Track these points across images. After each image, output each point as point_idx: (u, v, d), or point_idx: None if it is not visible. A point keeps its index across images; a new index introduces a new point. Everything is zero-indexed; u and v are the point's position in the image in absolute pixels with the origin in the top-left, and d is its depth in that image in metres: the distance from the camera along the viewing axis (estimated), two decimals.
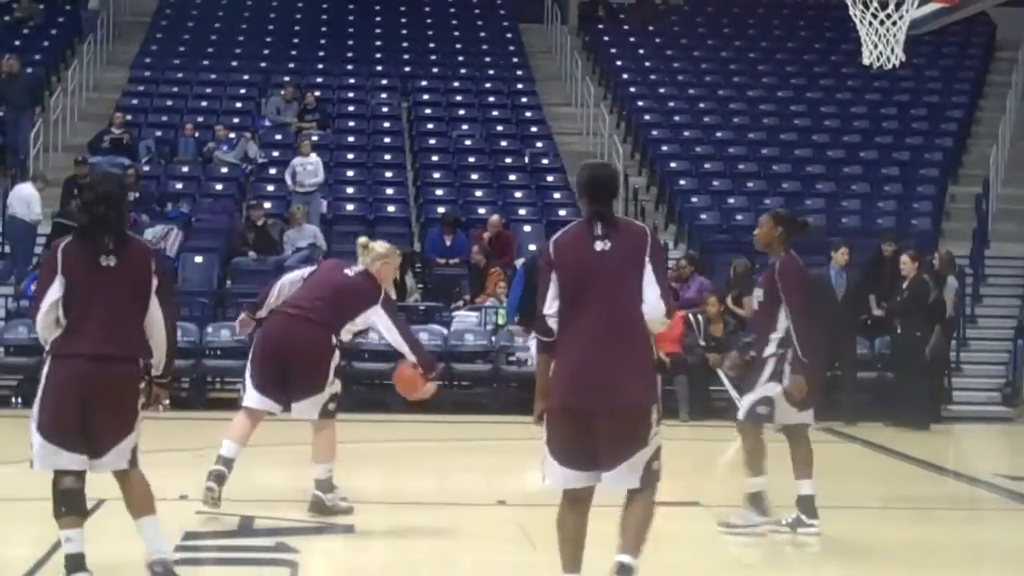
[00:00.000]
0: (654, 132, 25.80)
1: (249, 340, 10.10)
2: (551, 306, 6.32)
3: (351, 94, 27.09)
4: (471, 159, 24.58)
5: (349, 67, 28.08)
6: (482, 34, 30.00)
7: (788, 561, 8.84)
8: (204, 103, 25.99)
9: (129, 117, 24.11)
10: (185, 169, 23.28)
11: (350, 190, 23.35)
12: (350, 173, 23.91)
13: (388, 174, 24.08)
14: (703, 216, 22.88)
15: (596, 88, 27.31)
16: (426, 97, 26.99)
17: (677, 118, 26.53)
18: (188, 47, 28.16)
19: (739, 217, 22.04)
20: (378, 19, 30.19)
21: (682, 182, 24.02)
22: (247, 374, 9.52)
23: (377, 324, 9.48)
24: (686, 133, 25.91)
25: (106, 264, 6.74)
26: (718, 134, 25.90)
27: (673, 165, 24.58)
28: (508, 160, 24.65)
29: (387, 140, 25.31)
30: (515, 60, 28.86)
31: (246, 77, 27.17)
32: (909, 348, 17.18)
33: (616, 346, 6.25)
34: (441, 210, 21.75)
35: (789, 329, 8.96)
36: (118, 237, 6.80)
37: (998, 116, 26.29)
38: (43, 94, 25.13)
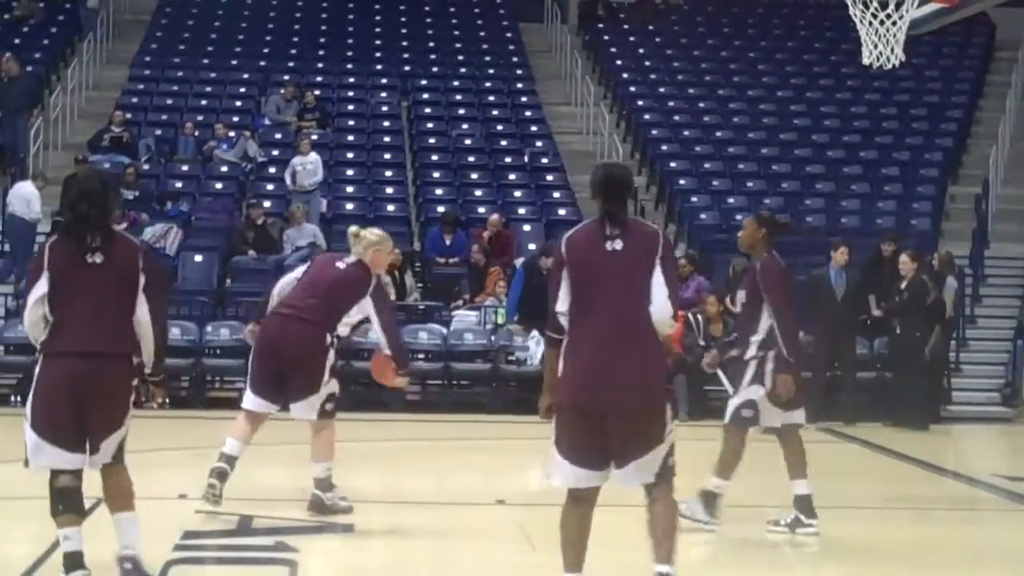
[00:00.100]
0: (654, 131, 25.80)
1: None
2: (562, 303, 6.33)
3: (351, 93, 27.09)
4: (471, 158, 24.57)
5: (349, 66, 28.07)
6: (482, 33, 30.00)
7: (787, 561, 8.85)
8: (204, 102, 25.99)
9: (129, 116, 24.11)
10: (185, 168, 23.27)
11: (350, 189, 23.35)
12: (350, 172, 23.91)
13: (388, 173, 24.08)
14: (703, 216, 22.88)
15: (596, 87, 27.31)
16: (426, 96, 26.98)
17: (677, 117, 26.53)
18: (188, 46, 28.15)
19: (739, 217, 21.95)
20: (378, 18, 30.19)
21: (682, 181, 24.02)
22: (248, 376, 9.56)
23: (368, 311, 9.47)
24: (686, 132, 25.91)
25: (92, 261, 6.76)
26: (718, 134, 25.90)
27: (673, 165, 24.58)
28: (508, 159, 24.65)
29: (387, 139, 25.30)
30: (515, 59, 28.86)
31: (246, 76, 27.17)
32: (908, 348, 17.18)
33: (628, 345, 6.26)
34: (441, 209, 21.75)
35: (771, 330, 8.98)
36: (104, 234, 6.81)
37: (998, 116, 26.28)
38: (42, 96, 25.10)
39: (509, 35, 30.04)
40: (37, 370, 6.82)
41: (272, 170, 23.12)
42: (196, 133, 23.77)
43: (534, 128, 25.93)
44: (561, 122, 26.62)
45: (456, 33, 29.76)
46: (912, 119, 26.75)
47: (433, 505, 10.61)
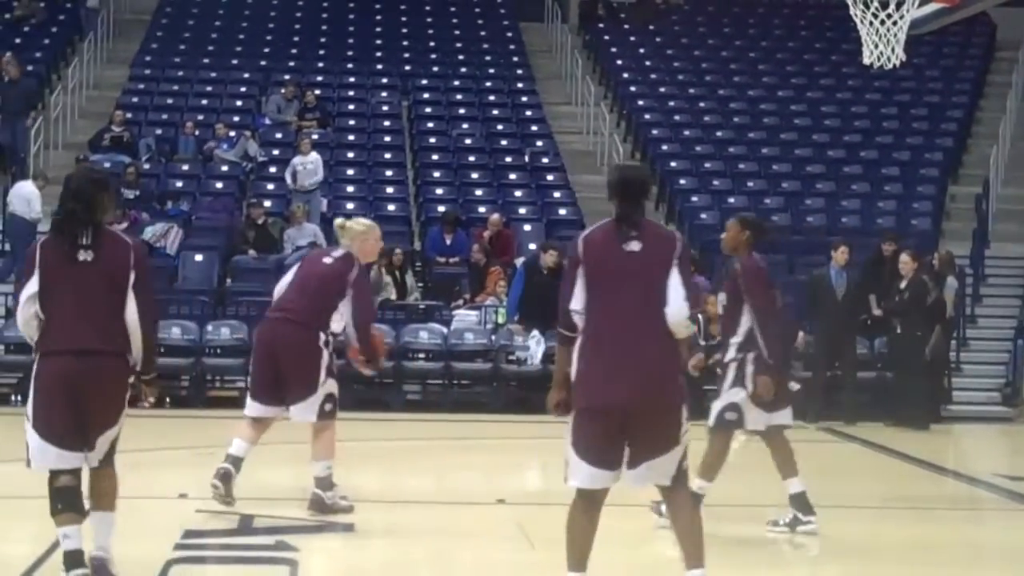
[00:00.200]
0: (654, 131, 25.80)
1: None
2: (576, 301, 6.33)
3: (351, 93, 27.09)
4: (471, 158, 24.57)
5: (349, 66, 28.08)
6: (482, 33, 30.00)
7: (786, 561, 8.85)
8: (204, 101, 25.99)
9: (129, 115, 24.11)
10: (185, 167, 23.28)
11: (350, 189, 23.35)
12: (350, 172, 23.91)
13: (388, 173, 24.08)
14: (703, 215, 22.87)
15: (596, 87, 27.31)
16: (426, 96, 26.98)
17: (677, 117, 26.54)
18: (188, 45, 28.16)
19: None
20: (378, 18, 30.19)
21: (682, 181, 24.03)
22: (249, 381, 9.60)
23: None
24: (686, 132, 25.92)
25: (83, 259, 6.78)
26: (718, 133, 25.90)
27: (673, 164, 24.59)
28: (508, 159, 24.65)
29: (387, 139, 25.31)
30: (515, 59, 28.86)
31: (246, 75, 27.17)
32: (909, 348, 17.18)
33: (644, 346, 6.27)
34: (441, 209, 21.76)
35: (751, 331, 8.97)
36: (95, 232, 6.82)
37: (998, 116, 26.28)
38: (41, 97, 25.09)
39: (509, 35, 30.04)
40: (34, 370, 6.85)
41: (272, 170, 23.13)
42: (197, 133, 23.78)
43: (534, 128, 25.93)
44: (561, 122, 26.62)
45: (456, 33, 29.77)
46: (913, 119, 26.75)
47: (433, 504, 10.61)
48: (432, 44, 29.12)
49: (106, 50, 27.96)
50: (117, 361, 6.83)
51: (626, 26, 30.44)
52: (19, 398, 16.42)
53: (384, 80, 27.48)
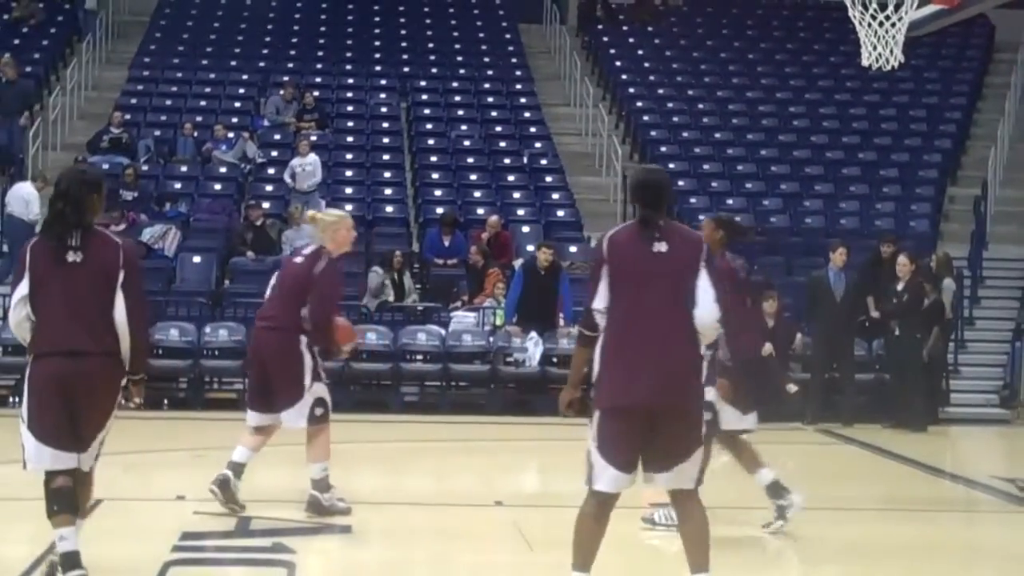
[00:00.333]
0: (653, 133, 25.80)
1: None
2: (599, 301, 6.35)
3: (350, 94, 27.09)
4: (470, 159, 24.57)
5: (348, 67, 28.07)
6: (481, 34, 30.00)
7: (784, 562, 8.84)
8: (203, 103, 25.98)
9: (128, 116, 24.09)
10: (184, 169, 23.26)
11: (349, 190, 23.34)
12: (349, 173, 23.90)
13: (387, 174, 24.07)
14: (701, 217, 22.76)
15: (595, 88, 27.30)
16: (425, 97, 26.98)
17: (676, 119, 26.53)
18: (187, 47, 28.15)
19: (738, 218, 21.84)
20: (377, 19, 30.18)
21: (681, 183, 23.99)
22: None
23: None
24: (685, 134, 25.92)
25: (72, 260, 6.81)
26: (717, 135, 25.91)
27: (672, 166, 24.54)
28: (507, 160, 24.64)
29: (386, 140, 25.30)
30: (514, 60, 28.86)
31: (245, 77, 27.17)
32: (907, 350, 17.17)
33: (670, 346, 6.30)
34: (440, 210, 21.73)
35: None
36: (84, 233, 6.84)
37: (997, 118, 26.29)
38: (40, 98, 25.09)
39: (508, 36, 30.03)
40: (27, 371, 6.86)
41: (271, 171, 23.12)
42: (195, 134, 23.77)
43: (533, 129, 25.92)
44: (560, 123, 26.62)
45: (455, 34, 29.76)
46: (911, 120, 26.75)
47: (431, 506, 10.61)
48: (431, 46, 29.11)
49: (105, 51, 27.96)
50: (108, 361, 6.85)
51: (625, 27, 30.43)
52: (16, 400, 16.41)
53: (383, 81, 27.47)
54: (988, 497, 12.11)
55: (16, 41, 26.50)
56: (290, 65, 27.60)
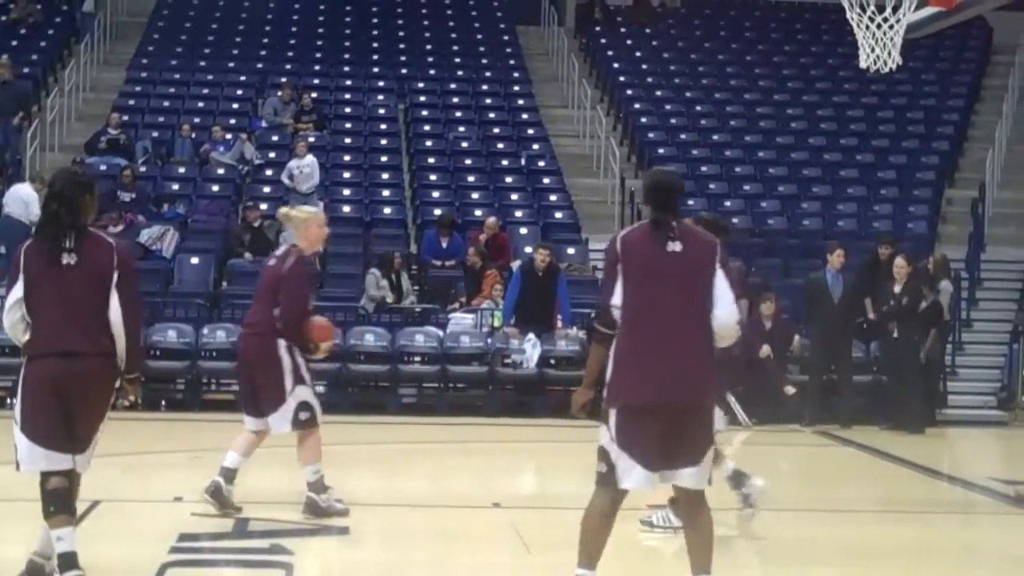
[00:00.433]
0: (650, 135, 25.80)
1: None
2: (617, 298, 6.35)
3: (348, 96, 27.09)
4: (468, 161, 24.57)
5: (346, 68, 28.07)
6: (479, 36, 30.01)
7: (782, 564, 8.83)
8: (201, 104, 25.98)
9: (126, 118, 24.11)
10: (182, 170, 23.26)
11: (346, 192, 23.34)
12: (347, 175, 23.91)
13: (384, 176, 24.07)
14: None
15: (593, 90, 27.30)
16: (423, 99, 26.98)
17: (673, 121, 26.54)
18: (185, 48, 28.17)
19: (735, 220, 22.01)
20: (375, 21, 30.19)
21: None
22: None
23: None
24: (682, 136, 25.94)
25: (67, 262, 6.82)
26: (714, 137, 25.92)
27: (670, 168, 24.54)
28: (505, 162, 24.65)
29: (384, 142, 25.30)
30: (512, 62, 28.86)
31: (243, 78, 27.17)
32: (904, 352, 17.17)
33: (689, 346, 6.32)
34: (437, 212, 21.73)
35: None
36: (78, 234, 6.85)
37: (994, 120, 26.32)
38: (37, 99, 25.07)
39: (506, 38, 30.04)
40: (21, 373, 6.88)
41: (269, 172, 23.11)
42: (193, 135, 23.77)
43: (531, 131, 25.92)
44: (558, 125, 26.63)
45: (453, 36, 29.77)
46: (909, 122, 26.78)
47: (428, 508, 10.61)
48: (428, 47, 29.12)
49: (103, 52, 27.95)
50: (103, 362, 6.87)
51: (622, 29, 30.45)
52: (14, 401, 16.41)
53: (381, 83, 27.48)
54: (985, 499, 12.11)
55: (14, 42, 26.52)
56: (288, 66, 27.60)
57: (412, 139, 25.37)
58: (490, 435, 16.05)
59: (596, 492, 6.42)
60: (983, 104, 28.05)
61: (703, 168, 24.71)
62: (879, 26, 12.89)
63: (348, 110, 26.52)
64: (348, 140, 25.20)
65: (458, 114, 26.43)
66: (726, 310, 6.36)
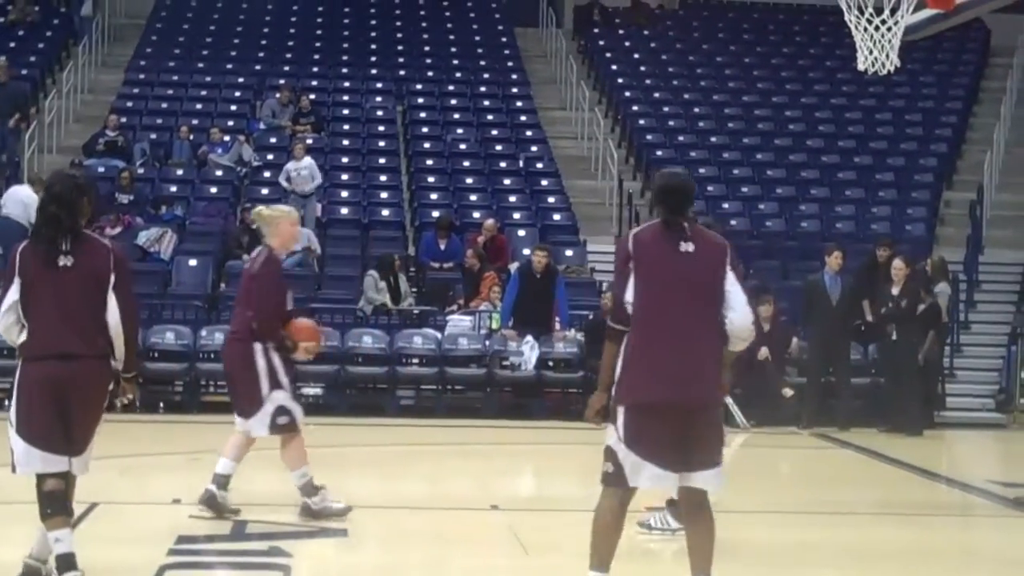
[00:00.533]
0: (648, 136, 25.82)
1: None
2: (630, 294, 6.35)
3: (346, 97, 27.10)
4: (466, 163, 24.57)
5: (344, 70, 28.08)
6: (477, 38, 30.02)
7: (781, 565, 8.83)
8: (199, 106, 25.99)
9: (124, 119, 24.12)
10: (180, 172, 23.26)
11: (344, 194, 23.34)
12: (345, 177, 23.91)
13: (383, 178, 24.08)
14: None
15: (591, 92, 27.31)
16: (421, 101, 26.99)
17: (672, 122, 26.56)
18: (183, 50, 28.17)
19: (733, 222, 22.04)
20: (373, 23, 30.20)
21: None
22: None
23: None
24: (681, 138, 25.95)
25: (63, 264, 6.83)
26: (713, 139, 25.94)
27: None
28: (503, 164, 24.65)
29: (382, 143, 25.30)
30: (510, 64, 28.87)
31: (241, 80, 27.17)
32: (903, 354, 17.16)
33: (699, 345, 6.32)
34: (435, 214, 21.72)
35: None
36: (74, 237, 6.86)
37: (992, 122, 26.33)
38: (36, 101, 25.06)
39: (504, 40, 30.05)
40: (16, 375, 6.89)
41: (267, 174, 23.11)
42: (191, 137, 23.76)
43: (529, 133, 25.93)
44: (556, 127, 26.64)
45: (451, 37, 29.79)
46: (907, 124, 26.80)
47: (427, 510, 10.59)
48: (427, 49, 29.13)
49: (101, 54, 27.96)
50: (99, 364, 6.89)
51: (621, 31, 30.47)
52: (9, 403, 16.41)
53: (379, 85, 27.49)
54: (984, 501, 12.10)
55: (12, 44, 26.51)
56: (286, 68, 27.62)
57: (410, 141, 25.37)
58: (488, 437, 16.05)
59: (604, 493, 6.41)
60: (981, 106, 28.07)
61: (701, 170, 24.69)
62: (877, 28, 12.90)
63: (346, 112, 26.52)
64: (346, 142, 25.21)
65: (456, 116, 26.44)
66: (741, 312, 6.37)
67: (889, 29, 12.87)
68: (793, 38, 30.67)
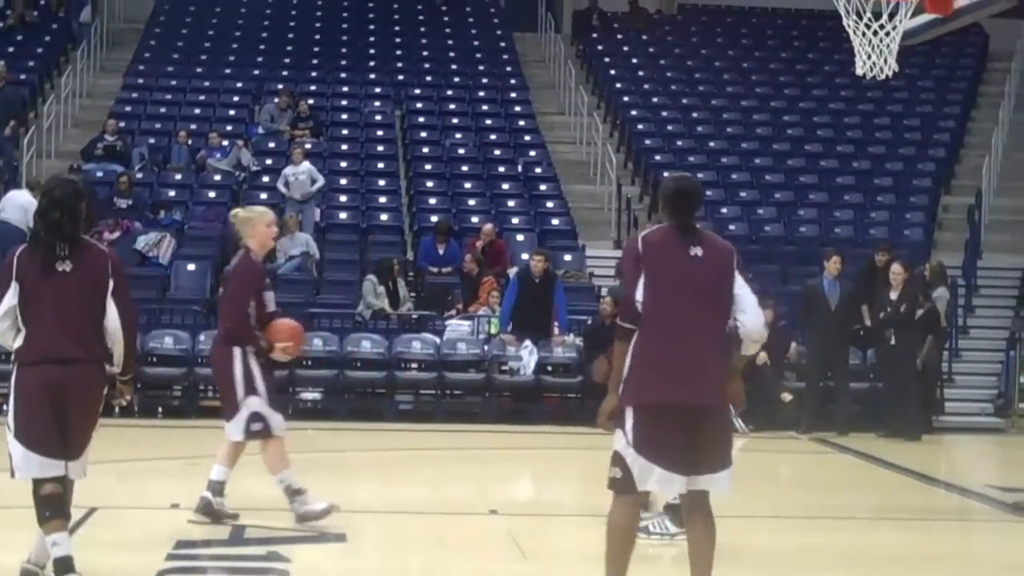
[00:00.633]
0: (647, 141, 25.82)
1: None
2: (640, 293, 6.33)
3: (344, 102, 27.10)
4: (464, 168, 24.57)
5: (343, 75, 28.09)
6: (476, 43, 30.02)
7: (781, 571, 8.82)
8: (197, 110, 25.99)
9: (122, 124, 24.12)
10: (178, 177, 23.26)
11: (343, 198, 23.33)
12: (343, 181, 23.90)
13: (381, 182, 24.07)
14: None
15: (589, 97, 27.32)
16: (419, 105, 27.00)
17: (670, 127, 26.57)
18: (182, 54, 28.18)
19: (732, 227, 22.05)
20: (372, 27, 30.22)
21: None
22: None
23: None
24: (679, 143, 25.95)
25: (62, 269, 6.86)
26: (711, 144, 25.94)
27: (666, 175, 24.48)
28: (501, 169, 24.65)
29: (380, 148, 25.31)
30: (509, 69, 28.88)
31: (239, 85, 27.18)
32: (901, 359, 17.16)
33: (707, 349, 6.32)
34: (434, 218, 21.73)
35: None
36: (73, 242, 6.88)
37: (991, 127, 26.34)
38: (34, 106, 25.05)
39: (503, 44, 30.06)
40: (13, 380, 6.90)
41: (265, 179, 23.11)
42: (190, 142, 23.77)
43: (528, 138, 25.94)
44: (555, 132, 26.65)
45: (450, 42, 29.80)
46: (905, 129, 26.81)
47: (425, 515, 10.59)
48: (425, 54, 29.15)
49: (99, 59, 27.97)
50: (95, 368, 6.93)
51: (619, 36, 30.49)
52: (6, 408, 16.40)
53: (377, 89, 27.50)
54: (982, 506, 12.10)
55: (11, 49, 26.51)
56: (285, 73, 27.63)
57: (409, 146, 25.38)
58: (487, 442, 16.04)
59: (615, 502, 6.38)
60: (979, 111, 28.09)
61: (700, 175, 24.60)
62: (875, 33, 12.90)
63: (345, 117, 26.53)
64: (345, 147, 25.21)
65: (455, 121, 26.45)
66: (753, 314, 6.40)
67: (887, 34, 12.88)
68: (791, 43, 30.69)
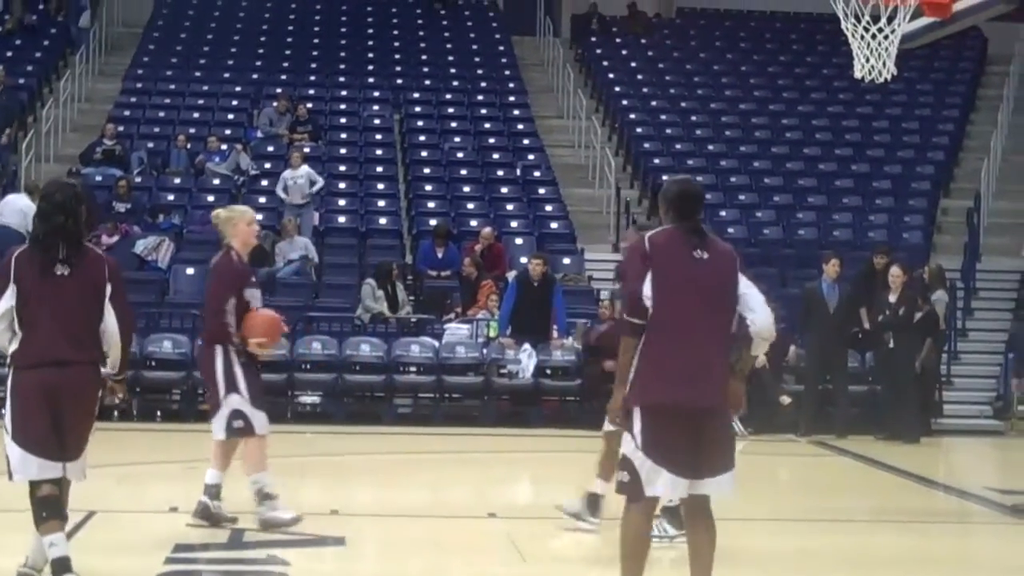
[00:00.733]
0: (646, 145, 25.81)
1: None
2: (647, 288, 6.33)
3: (343, 106, 27.10)
4: (463, 171, 24.57)
5: (341, 79, 28.09)
6: (474, 47, 30.03)
7: (780, 573, 8.83)
8: (196, 114, 25.99)
9: (121, 128, 24.12)
10: (177, 180, 23.26)
11: (342, 202, 23.34)
12: (342, 185, 23.90)
13: (380, 186, 24.07)
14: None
15: (588, 101, 27.33)
16: (418, 109, 26.99)
17: (669, 131, 26.56)
18: (180, 58, 28.17)
19: (731, 230, 22.05)
20: (370, 31, 30.21)
21: None
22: None
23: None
24: (678, 146, 25.94)
25: (60, 273, 6.89)
26: (710, 147, 25.94)
27: (665, 178, 24.44)
28: (500, 172, 24.65)
29: (379, 152, 25.31)
30: (507, 72, 28.87)
31: (238, 89, 27.18)
32: (900, 361, 17.16)
33: (710, 350, 6.34)
34: (433, 222, 21.72)
35: None
36: (71, 246, 6.89)
37: (989, 130, 26.34)
38: (29, 110, 25.06)
39: (502, 48, 30.07)
40: (10, 383, 6.91)
41: (264, 183, 23.09)
42: (188, 146, 23.77)
43: (526, 141, 25.93)
44: (553, 135, 26.65)
45: (449, 46, 29.79)
46: (904, 132, 26.80)
47: (424, 518, 10.59)
48: (424, 58, 29.15)
49: (98, 63, 27.96)
50: (91, 370, 6.97)
51: (618, 40, 30.49)
52: (3, 411, 16.39)
53: (376, 93, 27.50)
54: (981, 509, 12.11)
55: (9, 53, 26.52)
56: (283, 77, 27.63)
57: (407, 149, 25.38)
58: (486, 445, 16.03)
59: (626, 509, 6.38)
60: (978, 114, 28.09)
61: (699, 178, 24.18)
62: (874, 36, 12.91)
63: (343, 120, 26.53)
64: (343, 150, 25.21)
65: (453, 124, 26.44)
66: (762, 312, 6.46)
67: (886, 37, 12.88)
68: (790, 46, 30.69)
